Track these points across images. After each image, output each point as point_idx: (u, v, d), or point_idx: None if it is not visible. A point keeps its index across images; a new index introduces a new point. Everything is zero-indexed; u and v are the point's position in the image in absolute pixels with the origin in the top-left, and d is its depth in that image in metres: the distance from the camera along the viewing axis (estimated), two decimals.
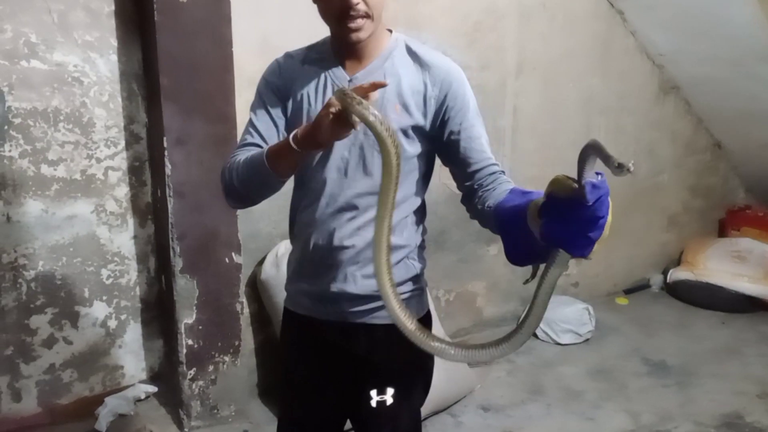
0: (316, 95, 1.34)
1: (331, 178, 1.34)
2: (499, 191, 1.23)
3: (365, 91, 1.08)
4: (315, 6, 1.31)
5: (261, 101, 1.39)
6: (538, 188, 1.08)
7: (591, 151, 0.89)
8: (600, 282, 4.23)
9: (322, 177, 1.34)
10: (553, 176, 0.96)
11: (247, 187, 1.32)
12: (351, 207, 1.34)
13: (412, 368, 1.44)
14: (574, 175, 0.92)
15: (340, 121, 1.08)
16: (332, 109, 1.08)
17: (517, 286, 3.74)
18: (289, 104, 1.37)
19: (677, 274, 4.27)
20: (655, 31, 3.74)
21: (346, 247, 1.36)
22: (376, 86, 1.10)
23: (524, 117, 3.53)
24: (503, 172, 1.31)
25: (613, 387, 3.07)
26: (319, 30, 1.39)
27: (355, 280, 1.37)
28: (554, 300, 3.65)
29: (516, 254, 1.11)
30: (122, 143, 2.55)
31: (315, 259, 1.40)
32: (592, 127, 3.79)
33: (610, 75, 3.85)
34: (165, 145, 2.33)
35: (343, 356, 1.45)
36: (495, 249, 3.54)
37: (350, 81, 1.32)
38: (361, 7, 1.21)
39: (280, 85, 1.37)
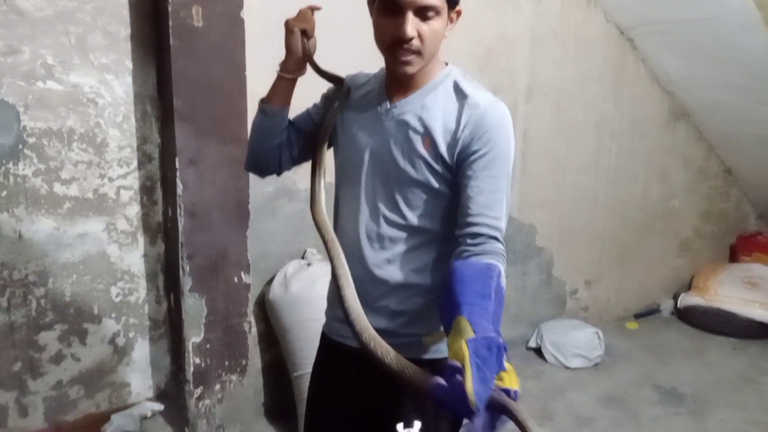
0: (363, 124, 1.37)
1: (360, 205, 1.34)
2: (470, 260, 1.16)
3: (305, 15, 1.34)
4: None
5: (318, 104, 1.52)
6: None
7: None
8: (610, 306, 4.20)
9: (352, 203, 1.35)
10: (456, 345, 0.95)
11: (252, 140, 1.48)
12: (380, 237, 1.32)
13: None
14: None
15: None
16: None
17: (526, 310, 3.71)
18: (339, 124, 1.43)
19: (688, 300, 4.23)
20: (666, 58, 3.76)
21: (378, 279, 1.33)
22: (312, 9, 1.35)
23: (536, 141, 3.55)
24: (495, 237, 1.20)
25: (625, 415, 3.03)
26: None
27: (385, 315, 1.33)
28: (564, 324, 3.68)
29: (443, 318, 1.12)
30: (135, 163, 2.58)
31: None
32: (604, 151, 3.80)
33: (622, 100, 3.87)
34: (177, 165, 2.35)
35: (370, 386, 1.37)
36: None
37: (389, 110, 1.33)
38: (416, 43, 1.21)
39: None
